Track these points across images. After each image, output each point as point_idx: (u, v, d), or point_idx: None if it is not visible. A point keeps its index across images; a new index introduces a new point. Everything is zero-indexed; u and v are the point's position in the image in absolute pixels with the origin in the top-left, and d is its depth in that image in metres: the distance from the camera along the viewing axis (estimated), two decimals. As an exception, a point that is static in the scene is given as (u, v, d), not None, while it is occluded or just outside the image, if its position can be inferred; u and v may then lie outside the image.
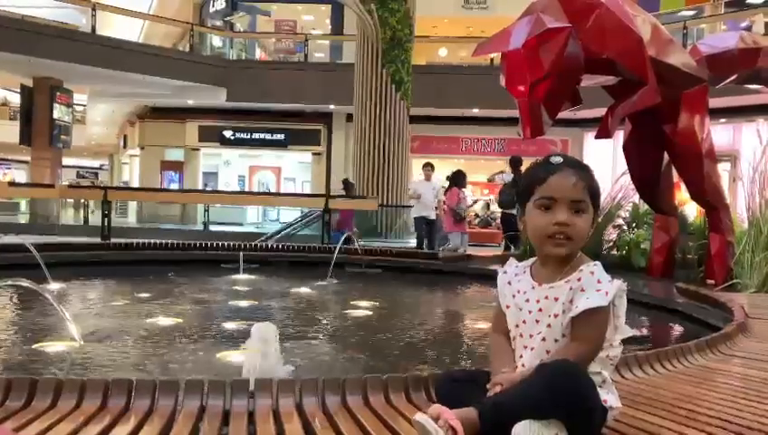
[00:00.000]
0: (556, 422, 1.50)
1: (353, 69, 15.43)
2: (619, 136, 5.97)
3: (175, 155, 23.54)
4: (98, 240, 8.90)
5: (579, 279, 1.68)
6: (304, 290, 5.57)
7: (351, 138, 16.71)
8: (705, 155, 5.53)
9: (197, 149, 23.16)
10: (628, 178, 6.14)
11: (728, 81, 5.91)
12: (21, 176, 32.66)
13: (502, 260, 6.84)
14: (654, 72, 4.87)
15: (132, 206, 22.06)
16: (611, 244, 7.05)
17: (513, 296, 1.80)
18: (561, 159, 1.74)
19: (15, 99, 22.14)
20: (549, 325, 1.70)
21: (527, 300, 1.76)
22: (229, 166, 25.85)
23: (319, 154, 22.47)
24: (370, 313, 4.64)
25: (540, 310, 1.72)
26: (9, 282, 3.52)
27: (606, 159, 15.82)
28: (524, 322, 1.75)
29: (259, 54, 24.01)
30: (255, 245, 7.67)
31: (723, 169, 12.18)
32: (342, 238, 7.29)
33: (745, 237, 5.34)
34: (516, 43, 4.35)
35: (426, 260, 7.18)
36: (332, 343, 3.73)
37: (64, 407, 1.82)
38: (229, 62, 20.59)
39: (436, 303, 5.77)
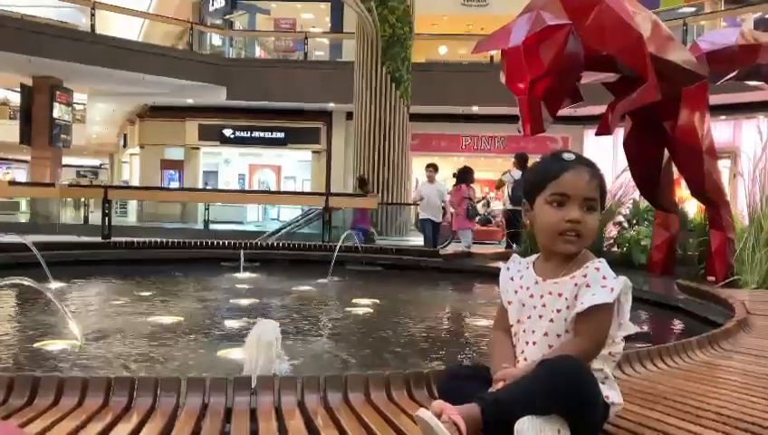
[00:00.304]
0: (558, 418, 1.50)
1: (353, 67, 15.42)
2: (620, 133, 5.97)
3: (175, 154, 23.54)
4: (98, 239, 8.90)
5: (584, 275, 1.68)
6: (305, 288, 5.57)
7: (351, 136, 16.71)
8: (705, 152, 5.53)
9: (197, 148, 23.16)
10: (628, 174, 6.14)
11: (728, 77, 5.91)
12: (21, 175, 32.67)
13: (503, 257, 6.86)
14: (654, 68, 4.87)
15: (132, 205, 22.06)
16: (612, 241, 7.05)
17: (516, 292, 1.80)
18: (574, 156, 1.74)
19: (15, 98, 22.13)
20: (552, 320, 1.71)
21: (531, 296, 1.76)
22: (229, 164, 25.87)
23: (319, 152, 22.47)
24: (371, 310, 4.64)
25: (543, 305, 1.73)
26: (10, 281, 3.52)
27: (606, 156, 15.82)
28: (529, 317, 1.75)
29: (259, 53, 24.03)
30: (256, 243, 7.66)
31: (723, 165, 12.16)
32: (360, 235, 7.27)
33: (746, 234, 5.34)
34: (516, 40, 4.35)
35: (427, 258, 7.18)
36: (334, 341, 3.73)
37: (66, 405, 1.82)
38: (229, 60, 20.59)
39: (437, 300, 5.77)
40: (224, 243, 7.22)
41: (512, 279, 1.83)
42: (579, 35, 4.44)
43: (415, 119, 16.09)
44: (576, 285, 1.68)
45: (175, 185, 23.16)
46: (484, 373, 1.76)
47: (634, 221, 7.18)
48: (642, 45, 4.84)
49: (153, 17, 22.81)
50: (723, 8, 17.96)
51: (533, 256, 1.85)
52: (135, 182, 25.44)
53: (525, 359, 1.73)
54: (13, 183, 17.60)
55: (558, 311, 1.70)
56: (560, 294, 1.70)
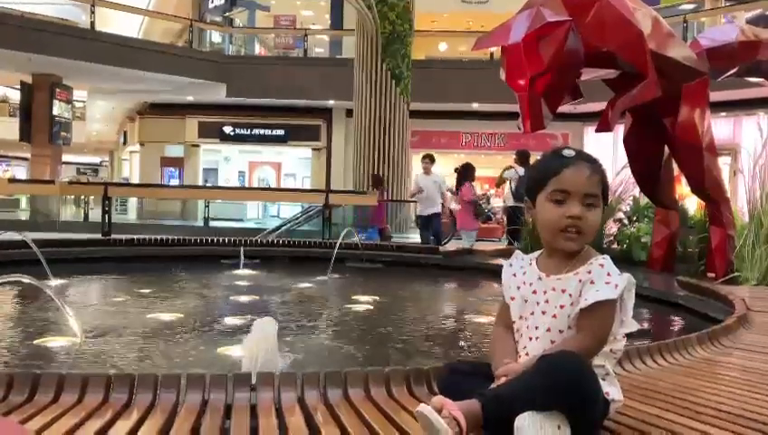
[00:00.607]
0: (558, 414, 1.50)
1: (353, 64, 15.41)
2: (620, 130, 5.96)
3: (175, 151, 23.52)
4: (98, 236, 8.90)
5: (589, 272, 1.68)
6: (305, 285, 5.57)
7: (351, 133, 16.70)
8: (705, 148, 5.52)
9: (197, 146, 23.15)
10: (628, 171, 6.13)
11: (729, 74, 5.90)
12: (21, 172, 32.66)
13: (503, 254, 6.85)
14: (654, 65, 4.86)
15: (132, 202, 22.04)
16: (612, 237, 7.04)
17: (518, 288, 1.80)
18: (575, 152, 1.74)
19: (15, 96, 22.12)
20: (555, 316, 1.70)
21: (534, 291, 1.76)
22: (229, 162, 25.86)
23: (319, 150, 22.45)
24: (371, 307, 4.64)
25: (546, 301, 1.72)
26: (10, 278, 3.52)
27: (606, 153, 15.78)
28: (532, 313, 1.75)
29: (258, 50, 24.01)
30: (256, 240, 7.66)
31: (723, 162, 12.19)
32: (375, 235, 7.26)
33: (746, 231, 5.34)
34: (516, 37, 4.34)
35: (427, 255, 7.18)
36: (334, 338, 3.73)
37: (66, 401, 1.82)
38: (229, 57, 20.56)
39: (438, 297, 5.77)
40: (224, 240, 7.22)
41: (514, 275, 1.83)
42: (579, 32, 4.43)
43: (415, 116, 16.09)
44: (580, 281, 1.68)
45: (175, 182, 23.16)
46: (484, 369, 1.75)
47: (634, 218, 7.17)
48: (642, 42, 4.83)
49: (153, 14, 22.79)
50: (723, 5, 17.94)
51: (536, 253, 1.85)
52: (135, 179, 25.44)
53: (527, 354, 1.73)
54: (13, 180, 17.62)
55: (561, 307, 1.70)
56: (563, 291, 1.70)
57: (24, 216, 20.51)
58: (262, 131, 22.40)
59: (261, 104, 20.76)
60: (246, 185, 25.43)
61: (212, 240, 7.25)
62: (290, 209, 18.63)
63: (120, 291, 5.16)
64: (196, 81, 18.58)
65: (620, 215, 7.24)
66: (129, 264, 6.29)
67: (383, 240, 9.84)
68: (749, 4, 16.28)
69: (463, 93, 18.12)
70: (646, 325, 4.22)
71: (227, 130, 22.37)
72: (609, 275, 1.66)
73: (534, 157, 9.85)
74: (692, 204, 7.39)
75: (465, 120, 20.65)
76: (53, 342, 3.28)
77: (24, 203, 22.82)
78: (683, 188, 7.21)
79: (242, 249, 6.43)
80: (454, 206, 10.98)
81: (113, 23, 20.47)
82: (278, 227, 13.47)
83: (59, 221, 16.90)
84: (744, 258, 5.21)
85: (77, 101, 21.48)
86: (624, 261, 6.25)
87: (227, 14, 24.49)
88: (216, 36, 23.06)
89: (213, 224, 16.70)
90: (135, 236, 7.27)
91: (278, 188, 23.45)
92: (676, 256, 6.11)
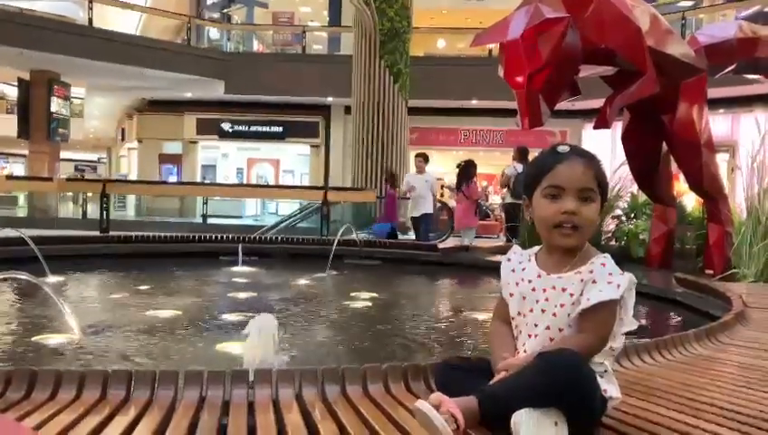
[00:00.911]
0: (555, 411, 1.50)
1: (351, 61, 15.39)
2: (618, 126, 5.96)
3: (173, 148, 23.48)
4: (97, 233, 8.89)
5: (590, 271, 1.67)
6: (303, 282, 5.57)
7: (350, 130, 16.68)
8: (703, 145, 5.53)
9: (195, 142, 23.12)
10: (626, 168, 6.14)
11: (727, 70, 5.91)
12: (19, 169, 32.61)
13: (501, 251, 6.85)
14: (652, 62, 4.86)
15: (131, 199, 22.02)
16: (610, 234, 7.05)
17: (517, 284, 1.79)
18: (569, 148, 1.74)
19: (13, 92, 22.08)
20: (555, 314, 1.70)
21: (533, 289, 1.75)
22: (227, 159, 25.81)
23: (317, 146, 22.43)
24: (370, 304, 4.64)
25: (546, 299, 1.72)
26: (8, 275, 3.51)
27: (604, 150, 15.78)
28: (531, 310, 1.74)
29: (257, 47, 23.95)
30: (254, 237, 7.66)
31: (721, 159, 12.17)
32: (388, 231, 7.23)
33: (744, 227, 5.35)
34: (514, 33, 4.34)
35: (425, 252, 7.18)
36: (332, 334, 3.73)
37: (64, 398, 1.82)
38: (227, 54, 20.53)
39: (436, 294, 5.77)
40: (222, 237, 7.20)
41: (513, 271, 1.82)
42: (577, 28, 4.43)
43: (413, 112, 16.06)
44: (582, 280, 1.67)
45: (173, 179, 23.11)
46: (482, 366, 1.76)
47: (632, 215, 7.19)
48: (641, 38, 4.83)
49: (151, 11, 22.73)
50: (721, 2, 17.93)
51: (535, 248, 1.84)
52: (133, 176, 25.40)
53: (526, 351, 1.73)
54: (11, 177, 17.61)
55: (562, 306, 1.69)
56: (564, 290, 1.69)
57: (22, 213, 20.49)
58: (260, 128, 22.38)
59: (259, 101, 20.74)
60: (245, 182, 25.38)
61: (210, 237, 7.24)
62: (288, 206, 18.61)
63: (118, 288, 5.16)
64: (194, 77, 18.55)
65: (618, 211, 7.25)
66: (128, 261, 6.28)
67: (390, 237, 9.77)
68: (746, 2, 16.26)
69: (461, 90, 18.11)
70: (643, 322, 4.23)
71: (226, 126, 22.34)
72: (611, 274, 1.66)
73: (533, 153, 9.84)
74: (690, 201, 7.41)
75: (463, 117, 20.64)
76: (51, 338, 3.28)
77: (22, 200, 22.78)
78: (681, 185, 7.22)
79: (240, 246, 6.43)
80: (452, 203, 10.96)
81: (111, 19, 20.43)
82: (276, 224, 13.47)
83: (57, 218, 16.89)
84: (742, 255, 5.22)
85: (75, 97, 21.42)
86: (622, 258, 6.26)
87: (226, 10, 24.42)
88: (214, 33, 23.01)
89: (211, 221, 16.70)
90: (133, 234, 7.26)
91: (276, 184, 23.42)
92: (674, 253, 6.12)
